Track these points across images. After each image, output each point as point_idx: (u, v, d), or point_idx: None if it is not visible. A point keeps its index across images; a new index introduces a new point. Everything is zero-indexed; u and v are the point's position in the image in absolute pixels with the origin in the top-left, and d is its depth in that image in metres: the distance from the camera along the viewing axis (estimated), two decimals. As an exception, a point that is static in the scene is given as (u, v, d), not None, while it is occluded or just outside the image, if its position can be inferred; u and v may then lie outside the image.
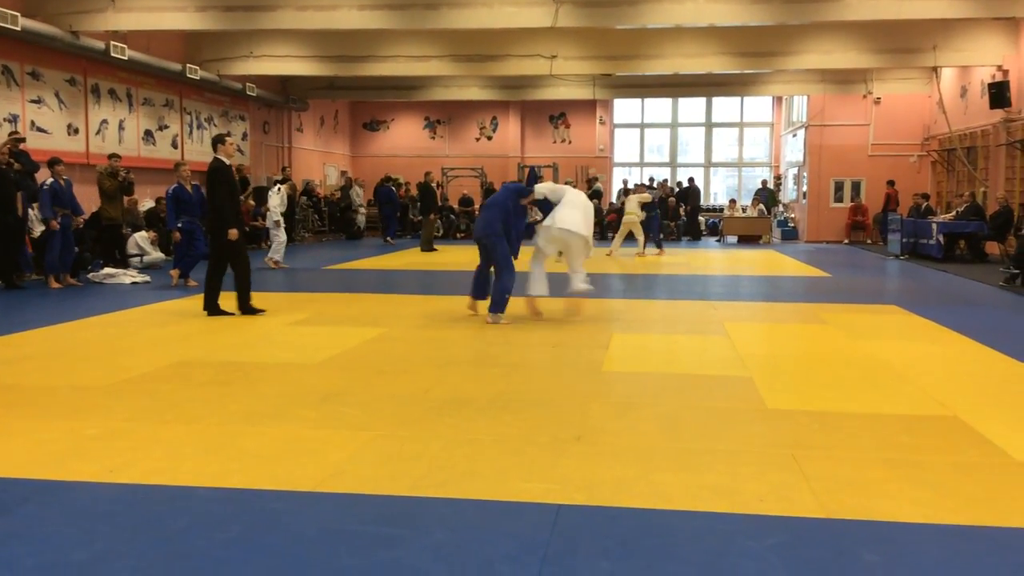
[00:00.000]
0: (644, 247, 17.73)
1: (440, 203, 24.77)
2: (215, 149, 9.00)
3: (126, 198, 14.36)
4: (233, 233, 8.73)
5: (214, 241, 8.94)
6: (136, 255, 14.09)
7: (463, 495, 3.71)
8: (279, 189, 14.67)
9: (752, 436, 4.65)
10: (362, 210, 25.04)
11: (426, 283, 12.74)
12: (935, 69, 19.70)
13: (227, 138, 9.07)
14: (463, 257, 15.53)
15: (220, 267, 8.89)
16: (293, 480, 3.89)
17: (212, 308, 8.87)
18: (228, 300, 9.08)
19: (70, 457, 4.23)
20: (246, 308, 8.96)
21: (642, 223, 17.56)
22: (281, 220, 14.48)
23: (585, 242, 8.67)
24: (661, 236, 18.56)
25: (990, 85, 16.99)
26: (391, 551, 3.16)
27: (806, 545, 3.24)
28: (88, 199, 14.05)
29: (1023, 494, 3.80)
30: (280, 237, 14.46)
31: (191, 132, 18.93)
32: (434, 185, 20.64)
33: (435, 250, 18.79)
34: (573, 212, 8.67)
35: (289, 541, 3.24)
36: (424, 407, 5.22)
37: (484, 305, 8.77)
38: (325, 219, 23.83)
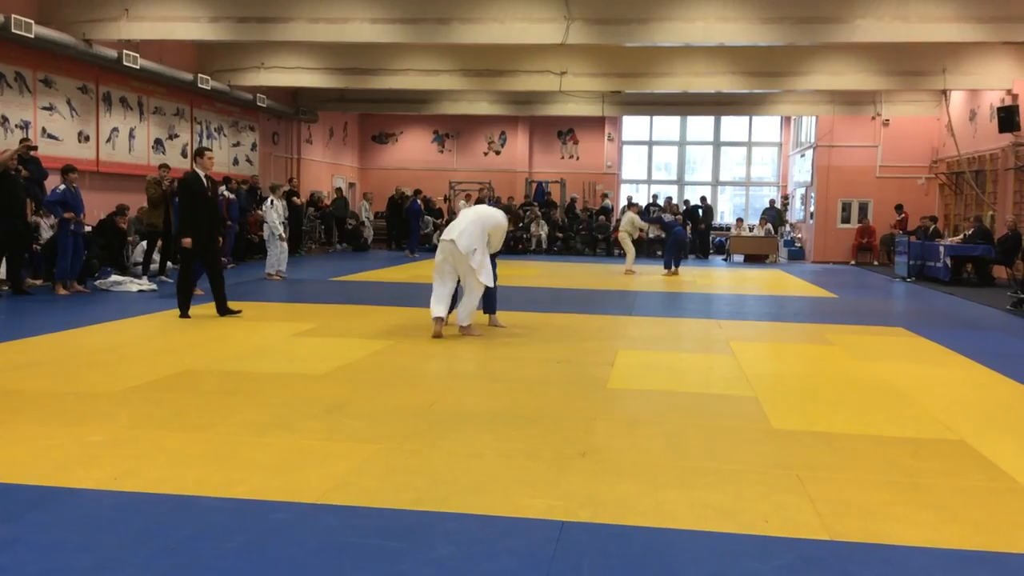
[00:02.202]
0: (677, 262, 17.92)
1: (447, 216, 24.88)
2: (194, 161, 9.69)
3: (141, 207, 14.47)
4: (186, 242, 9.28)
5: (183, 249, 9.50)
6: (140, 263, 14.13)
7: (467, 510, 3.70)
8: (273, 203, 14.58)
9: (757, 456, 4.64)
10: (368, 222, 25.02)
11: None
12: (944, 92, 19.73)
13: (207, 152, 9.67)
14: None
15: (189, 272, 9.52)
16: (297, 491, 3.89)
17: (185, 311, 9.45)
18: (235, 304, 9.37)
19: (75, 464, 4.23)
20: (223, 310, 9.60)
21: (659, 241, 17.65)
22: (282, 233, 14.41)
23: (460, 252, 8.13)
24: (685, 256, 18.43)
25: (999, 109, 17.00)
26: (394, 565, 3.15)
27: (811, 567, 3.22)
28: (98, 206, 14.12)
29: (1029, 520, 3.78)
30: (275, 249, 14.40)
31: (201, 142, 18.98)
32: (487, 201, 20.90)
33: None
34: (456, 222, 8.46)
35: (292, 553, 3.24)
36: (428, 420, 5.21)
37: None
38: (329, 230, 23.77)
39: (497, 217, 8.60)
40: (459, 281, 8.57)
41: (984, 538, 3.54)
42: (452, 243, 8.22)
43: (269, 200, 14.63)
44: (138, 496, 3.80)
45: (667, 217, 18.51)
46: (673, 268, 17.86)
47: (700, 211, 24.69)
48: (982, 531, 3.62)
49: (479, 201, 20.73)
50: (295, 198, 20.93)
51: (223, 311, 9.56)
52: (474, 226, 8.31)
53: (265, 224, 14.57)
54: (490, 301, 9.07)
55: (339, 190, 24.65)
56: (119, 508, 3.66)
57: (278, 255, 14.46)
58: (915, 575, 3.19)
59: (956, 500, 4.00)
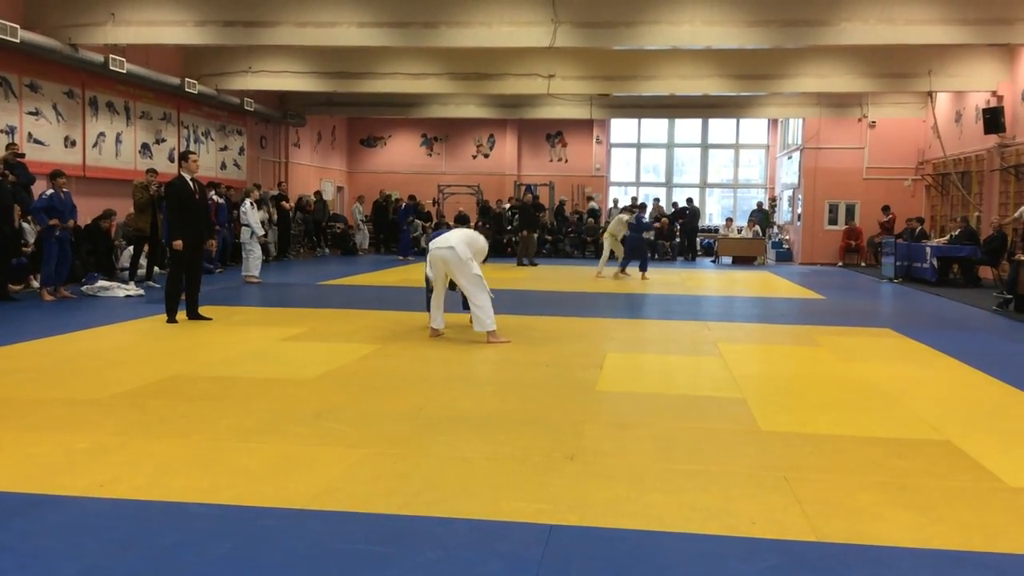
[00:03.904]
0: (624, 267, 17.49)
1: (436, 217, 24.85)
2: (180, 165, 9.75)
3: (128, 213, 14.43)
4: (177, 244, 9.28)
5: (173, 253, 9.55)
6: (127, 268, 14.07)
7: (455, 514, 3.70)
8: (253, 205, 14.49)
9: (745, 458, 4.65)
10: (363, 226, 24.93)
11: (422, 300, 12.70)
12: (930, 94, 19.84)
13: (191, 155, 9.74)
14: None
15: (178, 276, 9.57)
16: (284, 497, 3.87)
17: (173, 316, 9.45)
18: (208, 311, 9.64)
19: (60, 471, 4.21)
20: (193, 315, 9.60)
21: (622, 242, 17.40)
22: (260, 234, 14.38)
23: (460, 259, 8.30)
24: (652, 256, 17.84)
25: (984, 111, 17.10)
26: (382, 570, 3.14)
27: (798, 569, 3.23)
28: (85, 211, 14.04)
29: (1015, 519, 3.80)
30: (255, 252, 14.34)
31: (188, 146, 18.91)
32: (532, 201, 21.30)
33: (535, 265, 19.84)
34: (448, 235, 8.65)
35: (279, 559, 3.23)
36: (417, 425, 5.21)
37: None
38: (316, 234, 23.68)
39: (480, 242, 8.76)
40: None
41: (970, 538, 3.55)
42: (451, 250, 8.33)
43: (248, 203, 14.58)
44: (124, 503, 3.78)
45: (625, 217, 17.91)
46: (627, 270, 17.40)
47: (687, 212, 24.73)
48: (968, 531, 3.64)
49: (521, 203, 20.92)
50: (284, 202, 20.90)
51: (193, 315, 9.57)
52: (463, 244, 8.45)
53: (244, 227, 14.50)
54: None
55: (318, 193, 24.58)
56: (105, 515, 3.64)
57: (258, 258, 14.41)
58: (902, 575, 3.21)
59: (942, 500, 4.01)
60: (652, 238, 19.00)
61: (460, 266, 8.33)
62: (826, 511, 3.81)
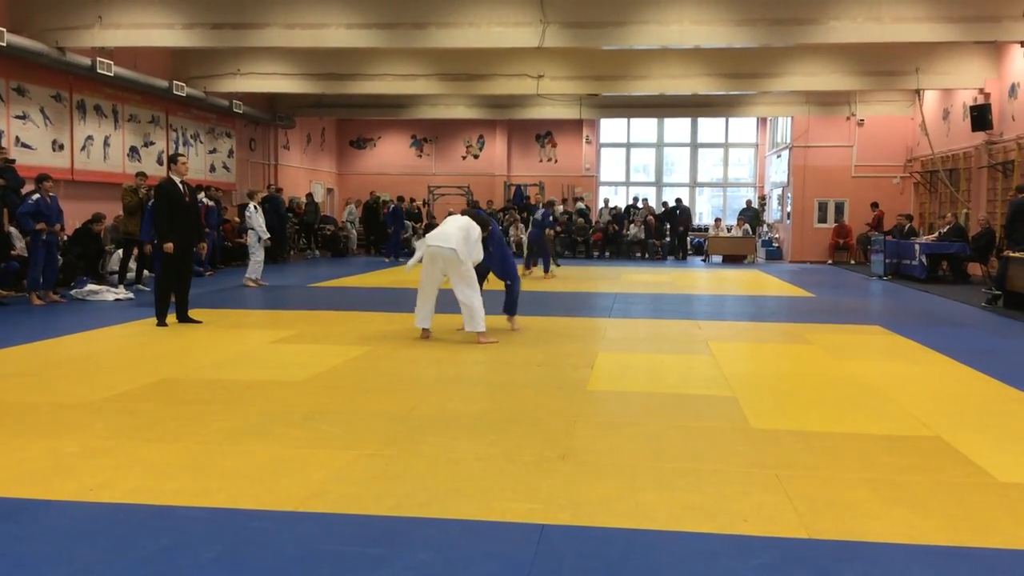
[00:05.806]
0: (546, 265, 16.90)
1: (428, 220, 24.85)
2: (168, 168, 9.73)
3: (117, 216, 14.38)
4: (168, 247, 9.24)
5: (164, 256, 9.50)
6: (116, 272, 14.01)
7: (447, 515, 3.69)
8: (257, 208, 14.46)
9: (736, 456, 4.66)
10: (353, 227, 24.87)
11: (413, 301, 12.68)
12: (918, 92, 19.92)
13: (180, 157, 9.70)
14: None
15: (168, 279, 9.53)
16: (275, 499, 3.86)
17: (163, 319, 9.44)
18: (199, 314, 9.69)
19: (50, 475, 4.19)
20: (183, 318, 9.53)
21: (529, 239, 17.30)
22: (263, 239, 14.35)
23: (460, 259, 8.27)
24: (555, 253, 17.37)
25: (972, 108, 17.18)
26: (374, 571, 3.14)
27: (790, 566, 3.24)
28: (73, 215, 13.99)
29: (1004, 514, 3.81)
30: (258, 256, 14.32)
31: (177, 149, 18.84)
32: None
33: (558, 265, 19.56)
34: (443, 228, 8.57)
35: (270, 561, 3.22)
36: (409, 426, 5.20)
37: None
38: (310, 237, 23.66)
39: (475, 233, 8.60)
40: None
41: (960, 533, 3.57)
42: (453, 251, 8.27)
43: (252, 206, 14.53)
44: (114, 507, 3.77)
45: (537, 213, 17.36)
46: (533, 268, 17.01)
47: (677, 212, 24.76)
48: (958, 526, 3.65)
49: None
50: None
51: (183, 318, 9.52)
52: (461, 233, 8.40)
53: (250, 231, 14.44)
54: (511, 301, 9.28)
55: (309, 195, 24.52)
56: (95, 519, 3.63)
57: (260, 262, 14.37)
58: (893, 571, 3.22)
59: (933, 496, 4.03)
60: (553, 236, 19.06)
61: (459, 266, 8.32)
62: (817, 508, 3.82)
